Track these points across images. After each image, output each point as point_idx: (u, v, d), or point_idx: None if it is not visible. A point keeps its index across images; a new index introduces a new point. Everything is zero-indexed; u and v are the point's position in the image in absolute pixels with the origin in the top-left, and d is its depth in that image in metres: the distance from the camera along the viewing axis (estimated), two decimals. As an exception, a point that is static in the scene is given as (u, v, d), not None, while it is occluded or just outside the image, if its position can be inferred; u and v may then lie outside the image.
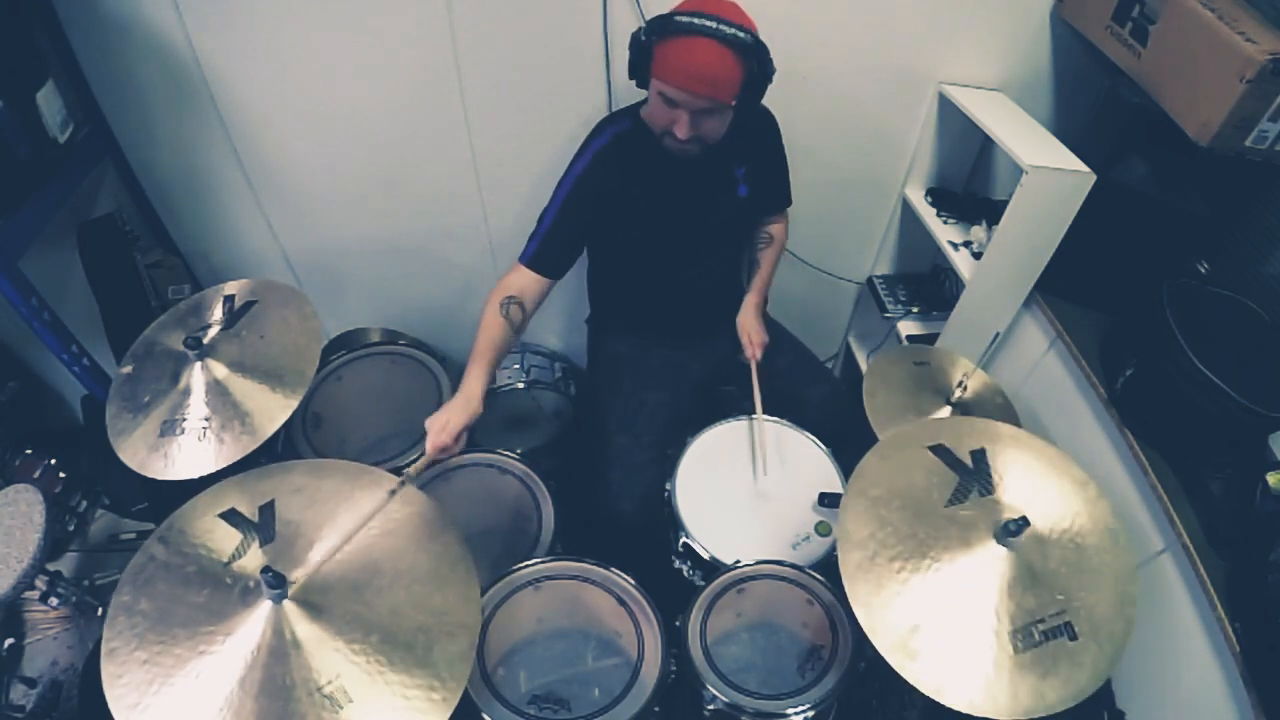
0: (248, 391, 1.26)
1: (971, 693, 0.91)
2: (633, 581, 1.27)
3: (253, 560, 0.99)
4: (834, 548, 1.26)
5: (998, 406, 1.59)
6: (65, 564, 1.77)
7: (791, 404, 1.60)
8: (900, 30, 1.62)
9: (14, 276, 1.27)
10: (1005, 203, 1.53)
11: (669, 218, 1.46)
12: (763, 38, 1.24)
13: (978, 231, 1.77)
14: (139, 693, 0.86)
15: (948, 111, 1.74)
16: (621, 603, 1.26)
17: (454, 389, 1.31)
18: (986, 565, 0.99)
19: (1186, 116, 1.30)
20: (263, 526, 1.03)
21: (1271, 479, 1.23)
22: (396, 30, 1.49)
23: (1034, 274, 1.65)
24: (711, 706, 1.16)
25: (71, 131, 1.42)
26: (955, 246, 1.77)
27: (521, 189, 1.73)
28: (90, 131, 1.51)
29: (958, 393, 1.50)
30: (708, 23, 1.16)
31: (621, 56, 1.28)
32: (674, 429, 1.57)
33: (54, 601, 1.38)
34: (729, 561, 1.32)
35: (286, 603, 0.93)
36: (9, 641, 1.63)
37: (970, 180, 1.95)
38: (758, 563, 1.30)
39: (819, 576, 1.29)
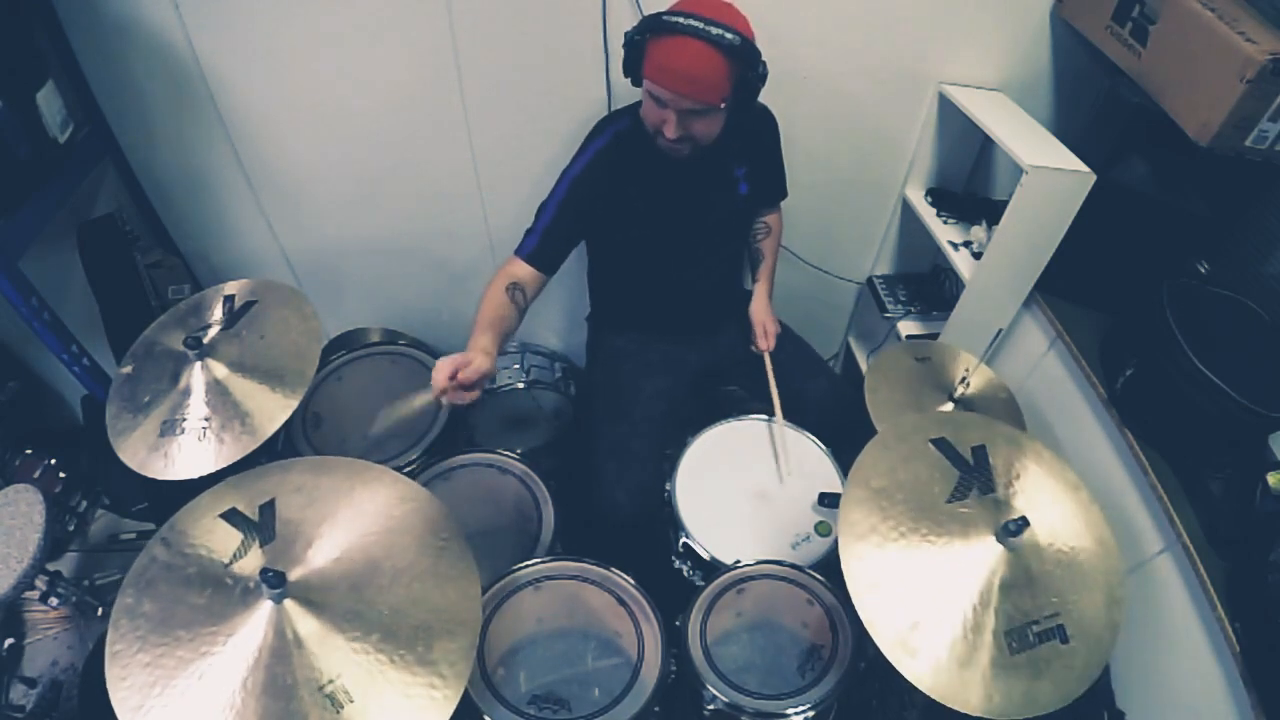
0: (248, 391, 1.26)
1: (967, 692, 0.91)
2: (633, 581, 1.27)
3: (253, 560, 0.99)
4: (834, 547, 1.26)
5: (1001, 402, 1.59)
6: (65, 564, 1.77)
7: (791, 399, 1.60)
8: (900, 30, 1.62)
9: (14, 276, 1.27)
10: (1005, 203, 1.53)
11: (669, 217, 1.46)
12: (763, 38, 1.24)
13: (978, 231, 1.77)
14: (142, 695, 0.86)
15: (948, 111, 1.74)
16: (621, 603, 1.26)
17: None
18: (985, 564, 0.99)
19: (1186, 116, 1.30)
20: (263, 526, 1.03)
21: (1271, 479, 1.23)
22: (396, 30, 1.49)
23: (1034, 274, 1.65)
24: (711, 706, 1.17)
25: (71, 131, 1.42)
26: (955, 246, 1.78)
27: (521, 189, 1.73)
28: (90, 131, 1.51)
29: (960, 389, 1.50)
30: (695, 23, 1.16)
31: (620, 55, 1.28)
32: (672, 421, 1.56)
33: (54, 601, 1.38)
34: (729, 561, 1.32)
35: (287, 602, 0.93)
36: (9, 641, 1.63)
37: (970, 180, 1.95)
38: (758, 563, 1.30)
39: (819, 576, 1.29)
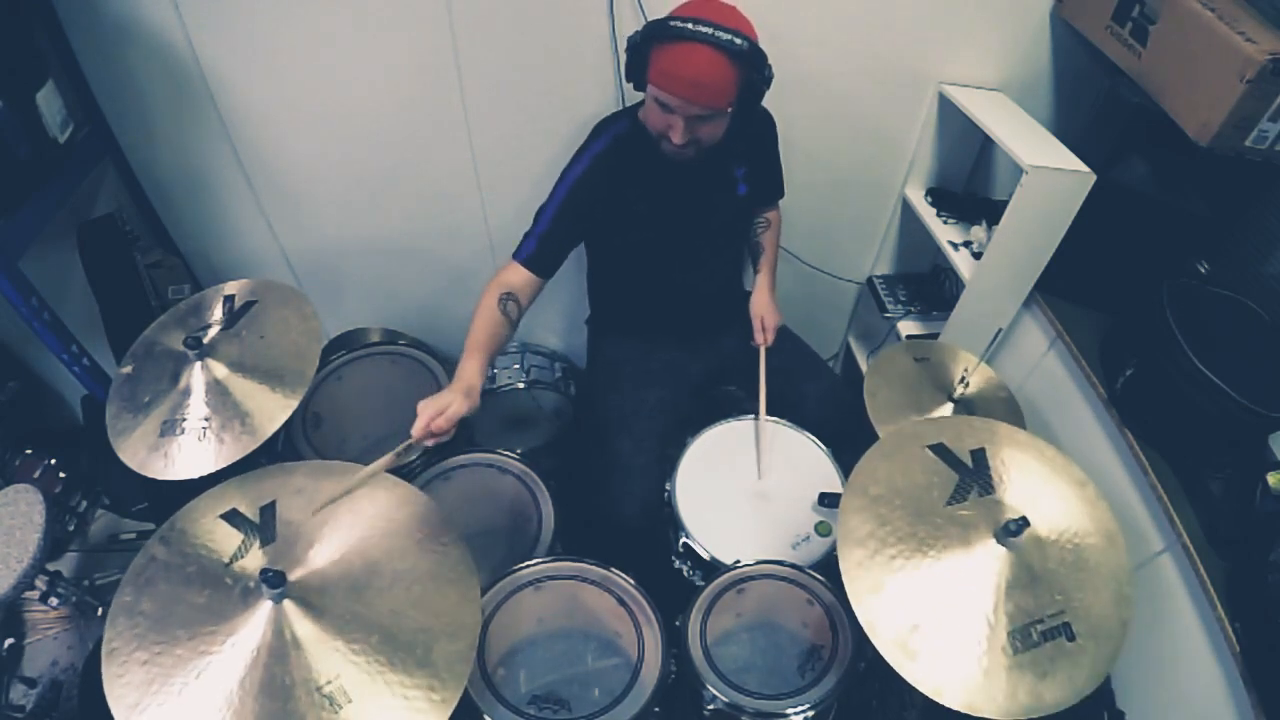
0: (248, 391, 1.26)
1: (970, 693, 0.91)
2: (633, 582, 1.27)
3: (253, 561, 0.99)
4: (834, 548, 1.26)
5: (1001, 401, 1.58)
6: (65, 564, 1.77)
7: (790, 399, 1.60)
8: (900, 30, 1.62)
9: (14, 276, 1.27)
10: (1005, 203, 1.52)
11: (669, 220, 1.46)
12: (763, 38, 1.24)
13: (978, 231, 1.77)
14: (139, 693, 0.86)
15: (948, 111, 1.74)
16: (621, 603, 1.26)
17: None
18: (986, 565, 0.99)
19: (1186, 116, 1.30)
20: (263, 527, 1.03)
21: (1271, 479, 1.23)
22: (397, 30, 1.49)
23: (1034, 274, 1.65)
24: (711, 706, 1.16)
25: (71, 131, 1.42)
26: (955, 246, 1.77)
27: (521, 189, 1.73)
28: (90, 131, 1.51)
29: (960, 389, 1.50)
30: (703, 29, 1.15)
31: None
32: (674, 430, 1.57)
33: (54, 601, 1.37)
34: (729, 561, 1.32)
35: (286, 603, 0.93)
36: (9, 641, 1.63)
37: (970, 180, 1.95)
38: (758, 563, 1.30)
39: (819, 576, 1.29)
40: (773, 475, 1.49)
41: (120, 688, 0.86)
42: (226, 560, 0.99)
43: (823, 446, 1.54)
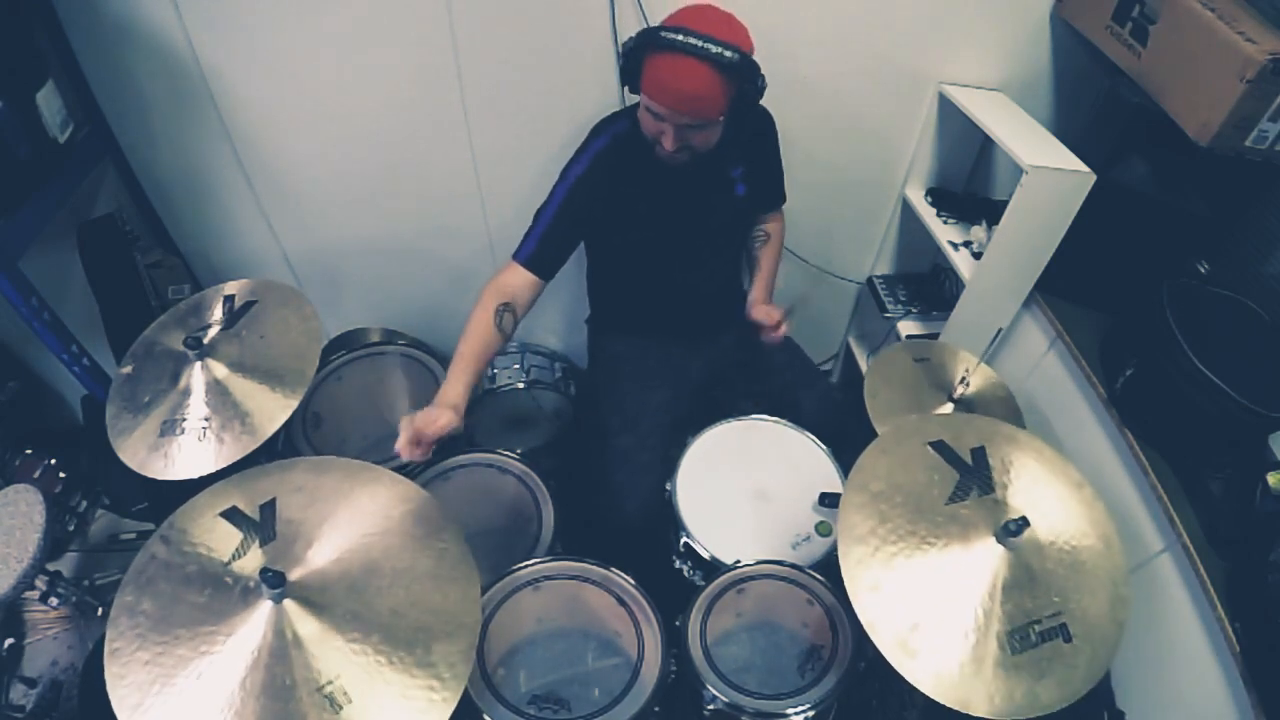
0: (248, 391, 1.26)
1: (968, 692, 0.91)
2: (633, 581, 1.27)
3: (253, 560, 0.99)
4: (834, 548, 1.26)
5: (1000, 402, 1.59)
6: (65, 564, 1.77)
7: (785, 407, 1.60)
8: (900, 30, 1.62)
9: (14, 276, 1.27)
10: (1005, 203, 1.53)
11: (668, 220, 1.46)
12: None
13: (978, 231, 1.77)
14: (141, 693, 0.86)
15: (948, 111, 1.74)
16: (621, 603, 1.26)
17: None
18: (985, 564, 0.99)
19: (1186, 116, 1.30)
20: (263, 526, 1.03)
21: (1271, 479, 1.23)
22: (396, 30, 1.49)
23: (1034, 274, 1.65)
24: (711, 706, 1.17)
25: (71, 131, 1.42)
26: (955, 246, 1.78)
27: (522, 189, 1.73)
28: (90, 131, 1.51)
29: (960, 389, 1.50)
30: (693, 40, 1.14)
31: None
32: (674, 429, 1.57)
33: (54, 601, 1.37)
34: (729, 561, 1.32)
35: (287, 602, 0.93)
36: (9, 641, 1.62)
37: (970, 180, 1.95)
38: (758, 563, 1.30)
39: (819, 576, 1.29)
40: (773, 475, 1.49)
41: (123, 688, 0.86)
42: (226, 560, 0.99)
43: (823, 446, 1.54)
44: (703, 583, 1.29)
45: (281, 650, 0.90)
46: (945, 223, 1.84)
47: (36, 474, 1.71)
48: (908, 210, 1.95)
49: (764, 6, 1.51)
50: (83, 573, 1.74)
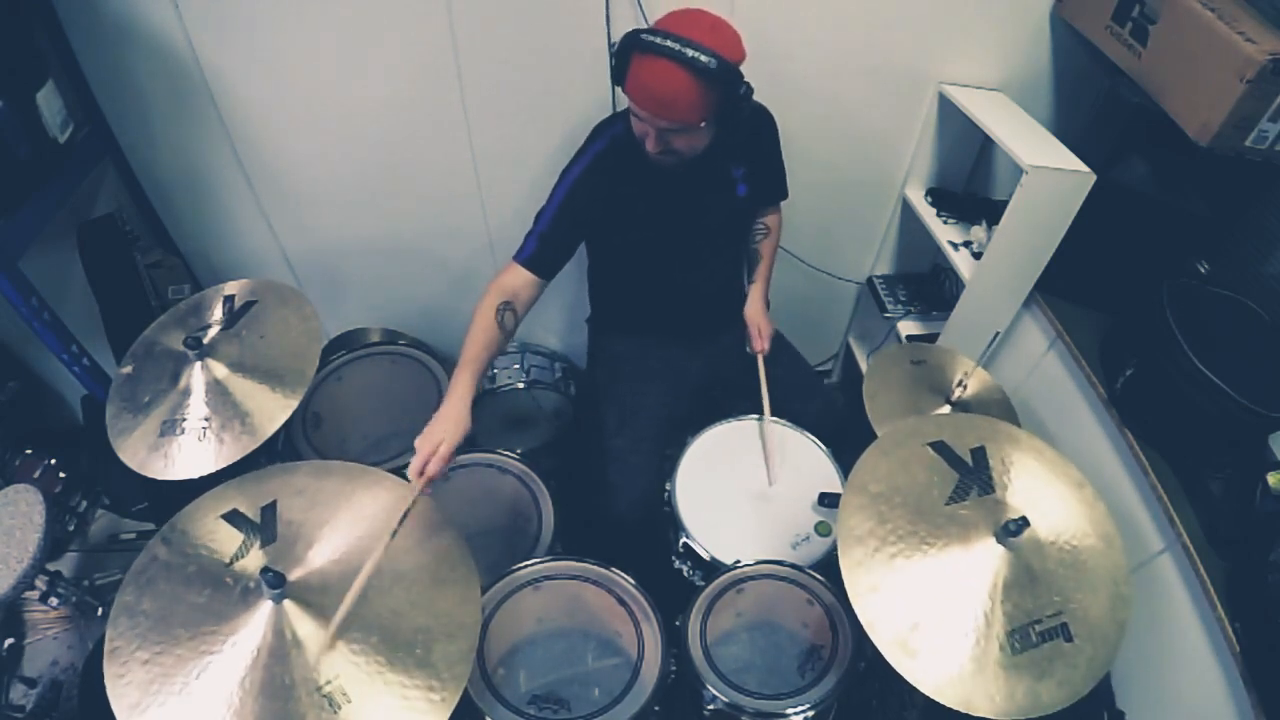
0: (248, 391, 1.26)
1: (968, 692, 0.91)
2: (633, 581, 1.27)
3: (254, 560, 0.99)
4: (834, 548, 1.26)
5: (997, 404, 1.59)
6: (65, 564, 1.77)
7: (787, 418, 1.60)
8: (900, 30, 1.62)
9: (14, 276, 1.27)
10: (1005, 203, 1.53)
11: (667, 220, 1.46)
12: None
13: (978, 231, 1.77)
14: (141, 692, 0.86)
15: (948, 111, 1.74)
16: (621, 603, 1.26)
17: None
18: (985, 564, 0.99)
19: (1186, 116, 1.30)
20: (264, 527, 1.03)
21: (1271, 479, 1.23)
22: (396, 30, 1.49)
23: (1034, 274, 1.65)
24: (711, 706, 1.16)
25: (71, 131, 1.42)
26: (955, 246, 1.78)
27: (521, 189, 1.73)
28: (90, 131, 1.51)
29: (957, 392, 1.50)
30: (671, 44, 1.14)
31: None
32: (673, 430, 1.57)
33: (54, 601, 1.38)
34: (729, 561, 1.32)
35: (287, 602, 0.93)
36: (9, 641, 1.63)
37: (970, 180, 1.95)
38: (757, 563, 1.30)
39: (819, 576, 1.29)
40: (774, 479, 1.49)
41: (122, 687, 0.86)
42: (227, 560, 0.99)
43: (823, 447, 1.54)
44: (702, 583, 1.29)
45: (281, 650, 0.90)
46: (945, 223, 1.84)
47: (36, 474, 1.71)
48: (908, 210, 1.95)
49: (764, 6, 1.51)
50: (83, 573, 1.74)
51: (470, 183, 1.77)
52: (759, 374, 1.58)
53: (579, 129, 1.47)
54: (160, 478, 1.18)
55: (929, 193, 1.91)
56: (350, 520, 1.05)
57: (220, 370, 1.27)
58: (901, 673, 0.92)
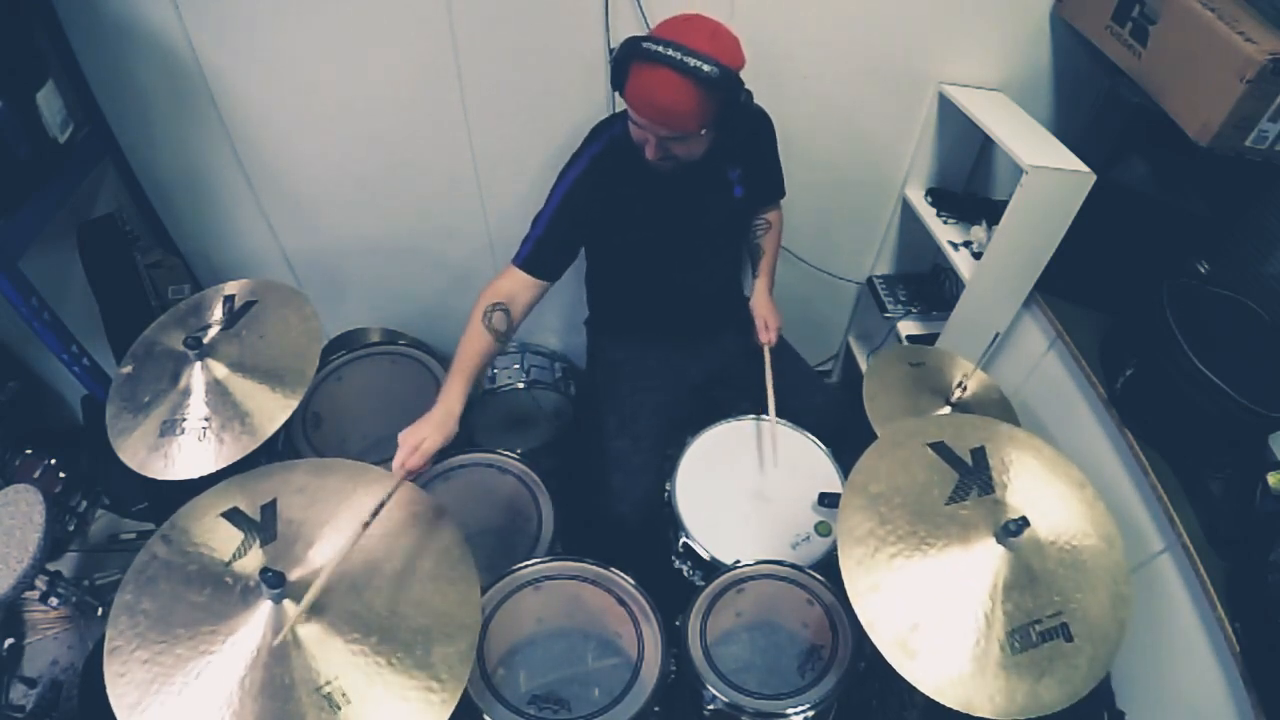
0: (248, 391, 1.26)
1: (968, 692, 0.91)
2: (633, 581, 1.27)
3: (253, 560, 0.99)
4: (834, 548, 1.26)
5: (995, 404, 1.59)
6: (65, 564, 1.77)
7: (788, 417, 1.60)
8: (900, 30, 1.62)
9: (14, 276, 1.27)
10: (1005, 203, 1.53)
11: (666, 222, 1.46)
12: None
13: (978, 231, 1.77)
14: (140, 691, 0.86)
15: (948, 111, 1.74)
16: (621, 603, 1.26)
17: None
18: (985, 564, 0.99)
19: (1186, 116, 1.30)
20: (264, 526, 1.03)
21: (1271, 479, 1.23)
22: (397, 30, 1.49)
23: (1034, 274, 1.65)
24: (711, 706, 1.16)
25: (71, 131, 1.42)
26: (955, 246, 1.78)
27: (521, 189, 1.73)
28: (90, 131, 1.51)
29: (957, 393, 1.50)
30: (671, 53, 1.13)
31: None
32: (672, 431, 1.57)
33: (54, 601, 1.37)
34: (729, 561, 1.32)
35: (286, 602, 0.93)
36: (9, 641, 1.63)
37: (970, 180, 1.95)
38: (757, 563, 1.30)
39: (819, 576, 1.29)
40: (773, 475, 1.49)
41: (122, 686, 0.86)
42: (227, 560, 0.99)
43: (823, 446, 1.54)
44: (702, 583, 1.29)
45: (281, 650, 0.90)
46: (945, 223, 1.84)
47: (36, 474, 1.71)
48: (908, 210, 1.95)
49: (764, 7, 1.51)
50: (83, 573, 1.74)
51: (470, 183, 1.77)
52: (764, 366, 1.56)
53: (579, 129, 1.47)
54: (160, 478, 1.18)
55: (929, 193, 1.91)
56: (350, 519, 1.05)
57: (220, 370, 1.27)
58: (901, 673, 0.92)
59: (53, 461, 1.74)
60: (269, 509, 1.05)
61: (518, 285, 1.36)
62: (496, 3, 1.48)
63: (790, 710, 1.13)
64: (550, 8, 1.50)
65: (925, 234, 1.87)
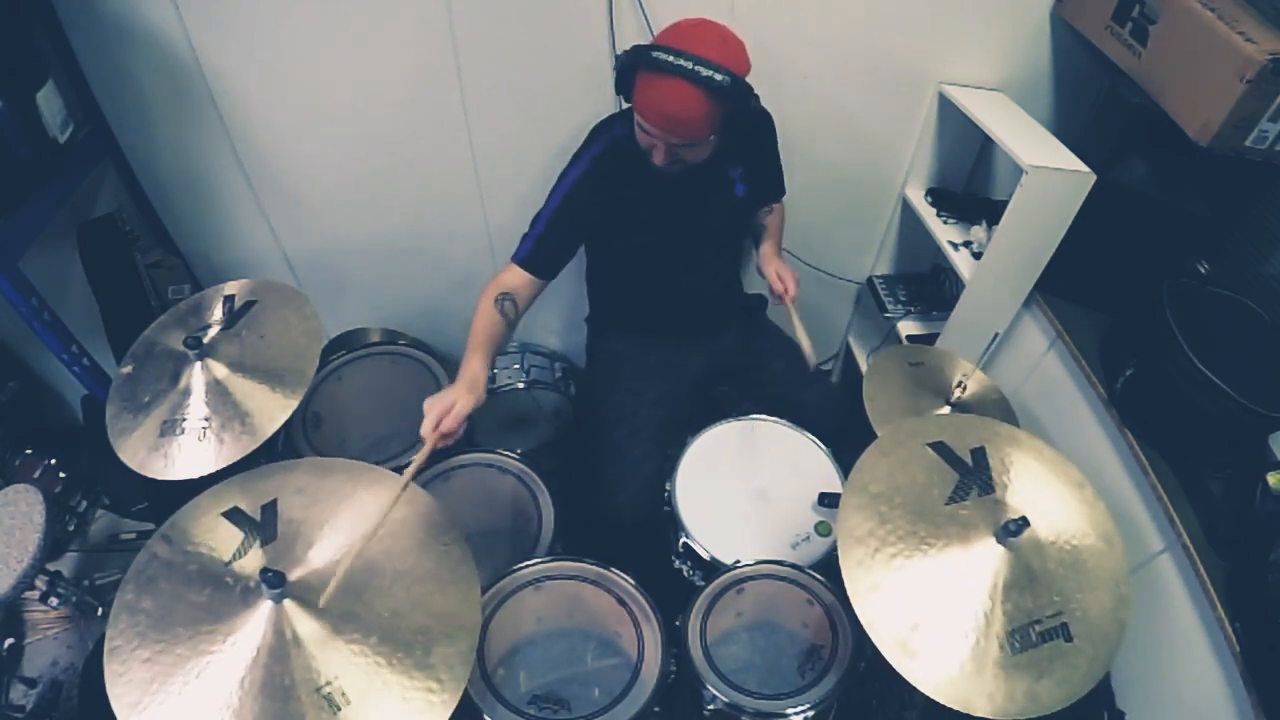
0: (248, 391, 1.26)
1: (968, 692, 0.91)
2: (633, 581, 1.27)
3: (254, 560, 0.99)
4: (834, 548, 1.26)
5: (994, 404, 1.59)
6: (65, 564, 1.77)
7: (786, 408, 1.60)
8: (900, 30, 1.62)
9: (14, 276, 1.27)
10: (1005, 203, 1.52)
11: (667, 222, 1.46)
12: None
13: (978, 231, 1.77)
14: (140, 691, 0.86)
15: (948, 111, 1.74)
16: (621, 603, 1.26)
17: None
18: (985, 564, 0.99)
19: (1186, 116, 1.30)
20: (264, 526, 1.03)
21: (1271, 479, 1.23)
22: (397, 30, 1.49)
23: (1034, 274, 1.65)
24: (711, 706, 1.17)
25: (71, 131, 1.42)
26: (955, 246, 1.77)
27: (521, 189, 1.73)
28: (90, 131, 1.51)
29: (957, 393, 1.50)
30: (683, 63, 1.13)
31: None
32: (672, 425, 1.57)
33: (54, 601, 1.37)
34: (729, 561, 1.32)
35: (287, 602, 0.93)
36: (9, 641, 1.63)
37: (970, 180, 1.94)
38: (757, 563, 1.30)
39: (819, 576, 1.29)
40: (773, 475, 1.49)
41: (122, 686, 0.86)
42: (227, 559, 0.99)
43: (823, 446, 1.55)
44: (702, 583, 1.29)
45: (281, 650, 0.90)
46: (945, 223, 1.84)
47: (36, 474, 1.71)
48: (908, 210, 1.95)
49: (764, 7, 1.51)
50: (83, 573, 1.73)
51: (470, 183, 1.77)
52: (792, 319, 1.48)
53: (580, 129, 1.47)
54: (160, 478, 1.18)
55: (929, 193, 1.91)
56: (351, 519, 1.05)
57: (220, 370, 1.27)
58: (901, 673, 0.92)
59: (53, 461, 1.74)
60: (269, 509, 1.05)
61: (519, 281, 1.37)
62: (497, 3, 1.48)
63: (790, 710, 1.14)
64: (551, 8, 1.50)
65: (925, 234, 1.87)
